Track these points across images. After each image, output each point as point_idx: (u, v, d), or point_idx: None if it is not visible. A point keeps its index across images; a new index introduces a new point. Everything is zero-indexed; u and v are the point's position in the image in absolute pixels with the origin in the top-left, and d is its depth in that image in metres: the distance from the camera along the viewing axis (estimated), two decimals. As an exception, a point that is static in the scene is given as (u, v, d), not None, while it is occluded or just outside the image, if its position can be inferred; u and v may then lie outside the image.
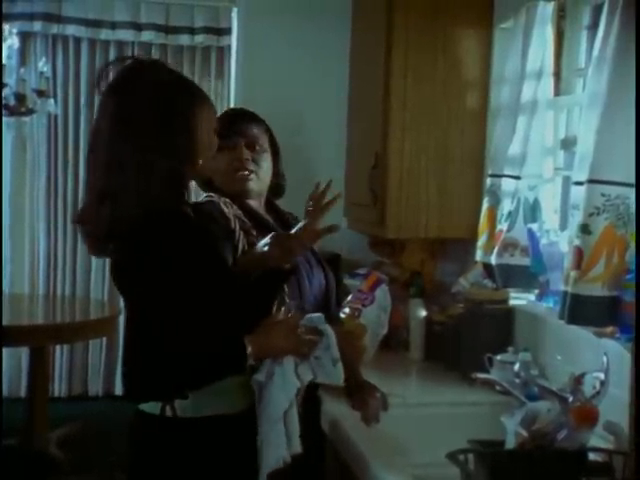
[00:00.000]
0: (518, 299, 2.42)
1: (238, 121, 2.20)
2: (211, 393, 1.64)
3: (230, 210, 2.07)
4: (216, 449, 1.67)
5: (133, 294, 1.66)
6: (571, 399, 1.56)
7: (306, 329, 1.70)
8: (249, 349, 1.60)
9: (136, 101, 1.62)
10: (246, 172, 2.14)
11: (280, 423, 1.65)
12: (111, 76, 1.68)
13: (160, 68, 1.71)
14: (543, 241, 2.24)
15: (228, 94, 4.51)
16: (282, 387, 1.66)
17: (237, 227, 2.04)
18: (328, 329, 1.73)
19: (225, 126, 2.11)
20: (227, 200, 2.10)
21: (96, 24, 5.13)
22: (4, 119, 4.40)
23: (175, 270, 1.57)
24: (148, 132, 1.60)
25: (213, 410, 1.66)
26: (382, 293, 2.43)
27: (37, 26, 5.03)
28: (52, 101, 4.70)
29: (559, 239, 2.21)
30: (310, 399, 2.01)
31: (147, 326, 1.62)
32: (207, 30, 5.19)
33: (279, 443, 1.65)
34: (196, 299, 1.59)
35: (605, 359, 1.60)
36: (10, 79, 4.42)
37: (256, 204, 2.20)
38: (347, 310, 2.35)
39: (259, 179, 2.18)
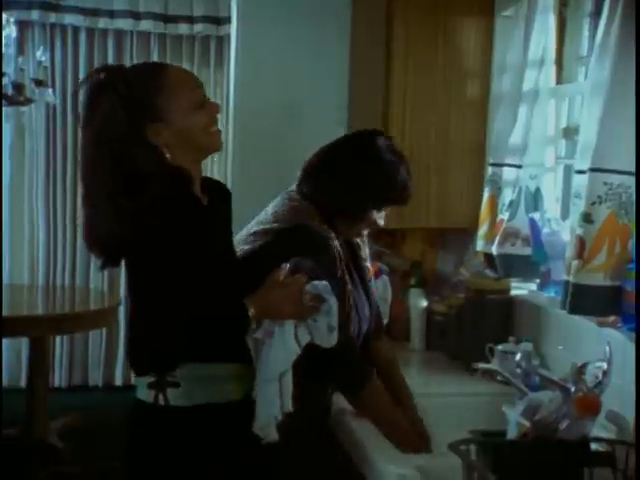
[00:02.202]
0: (519, 289, 2.41)
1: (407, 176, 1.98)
2: (204, 381, 1.63)
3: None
4: (208, 438, 1.65)
5: (134, 264, 1.66)
6: (573, 389, 1.55)
7: (310, 296, 1.66)
8: (251, 310, 1.59)
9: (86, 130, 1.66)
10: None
11: (276, 383, 1.65)
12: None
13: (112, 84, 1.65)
14: (545, 230, 2.23)
15: (227, 84, 4.49)
16: (282, 348, 1.64)
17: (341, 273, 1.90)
18: (332, 299, 1.69)
19: (396, 178, 1.94)
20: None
21: (94, 13, 5.09)
22: (2, 109, 4.38)
23: (169, 246, 1.57)
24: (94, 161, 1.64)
25: (205, 399, 1.65)
26: (382, 283, 2.41)
27: (35, 15, 4.99)
28: (50, 91, 4.67)
29: (561, 228, 2.20)
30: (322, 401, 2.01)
31: (149, 294, 1.62)
32: (206, 19, 5.16)
33: (272, 401, 1.64)
34: (195, 269, 1.58)
35: (608, 349, 1.60)
36: (8, 68, 4.39)
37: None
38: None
39: None
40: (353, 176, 1.92)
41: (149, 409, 1.66)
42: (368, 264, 2.10)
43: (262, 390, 1.65)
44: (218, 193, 1.80)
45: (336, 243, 1.90)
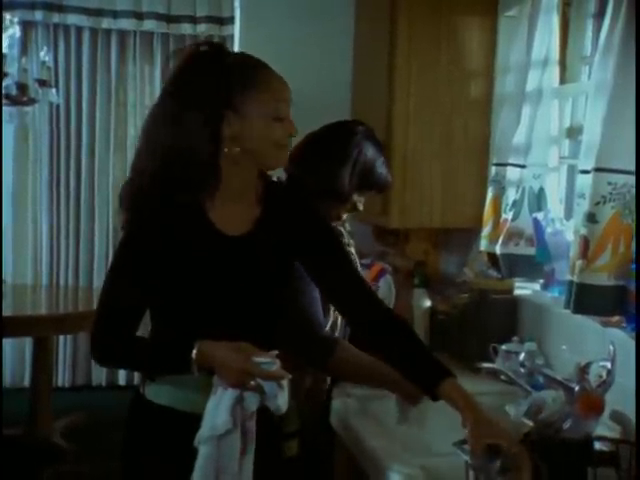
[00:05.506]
0: (523, 289, 2.41)
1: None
2: (172, 384, 1.60)
3: None
4: (169, 440, 1.60)
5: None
6: (577, 388, 1.56)
7: (255, 384, 1.50)
8: (194, 354, 1.50)
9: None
10: None
11: (206, 445, 1.49)
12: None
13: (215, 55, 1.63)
14: (548, 230, 2.23)
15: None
16: (213, 415, 1.49)
17: None
18: (280, 407, 1.53)
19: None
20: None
21: (97, 13, 5.10)
22: (6, 109, 4.39)
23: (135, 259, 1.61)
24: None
25: (170, 402, 1.61)
26: (386, 283, 2.42)
27: (38, 15, 5.01)
28: (54, 91, 4.68)
29: (564, 228, 2.20)
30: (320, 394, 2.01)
31: (112, 299, 1.65)
32: (209, 19, 5.16)
33: (201, 465, 1.49)
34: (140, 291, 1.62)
35: (612, 348, 1.60)
36: (12, 68, 4.40)
37: None
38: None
39: None
40: (337, 159, 2.07)
41: (136, 394, 1.68)
42: (352, 249, 2.18)
43: (200, 446, 1.51)
44: (290, 220, 1.67)
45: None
